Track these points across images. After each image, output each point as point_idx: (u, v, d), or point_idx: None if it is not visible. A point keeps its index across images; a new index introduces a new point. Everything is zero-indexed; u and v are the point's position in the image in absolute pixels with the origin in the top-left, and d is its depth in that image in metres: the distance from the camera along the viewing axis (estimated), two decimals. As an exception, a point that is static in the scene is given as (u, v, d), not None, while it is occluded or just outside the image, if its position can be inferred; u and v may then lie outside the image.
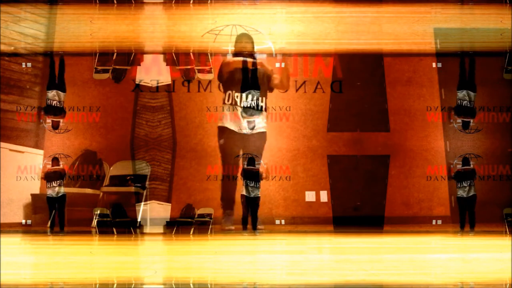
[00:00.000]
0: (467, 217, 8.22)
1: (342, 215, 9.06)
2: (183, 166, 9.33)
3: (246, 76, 8.63)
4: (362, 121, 9.28)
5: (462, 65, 8.64)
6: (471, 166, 8.36)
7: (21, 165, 8.84)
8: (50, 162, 8.42)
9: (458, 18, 9.07)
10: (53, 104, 8.53)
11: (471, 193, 8.23)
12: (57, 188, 8.27)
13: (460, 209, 8.32)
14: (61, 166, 8.41)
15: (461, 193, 8.27)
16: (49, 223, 8.39)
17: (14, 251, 6.60)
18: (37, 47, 9.12)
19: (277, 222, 8.74)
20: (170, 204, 9.22)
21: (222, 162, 8.88)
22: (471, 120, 8.55)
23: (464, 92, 8.52)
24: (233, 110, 8.72)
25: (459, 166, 8.44)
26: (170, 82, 9.33)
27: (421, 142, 9.31)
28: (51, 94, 8.53)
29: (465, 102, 8.50)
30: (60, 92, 8.57)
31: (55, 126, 8.62)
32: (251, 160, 8.43)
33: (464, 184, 8.23)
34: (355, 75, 9.33)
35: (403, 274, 4.82)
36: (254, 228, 8.27)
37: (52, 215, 8.29)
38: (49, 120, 8.62)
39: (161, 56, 9.28)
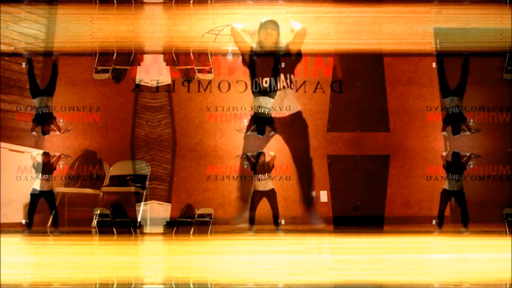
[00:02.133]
0: (458, 215, 8.24)
1: (342, 215, 9.06)
2: (183, 166, 9.33)
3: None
4: (362, 121, 9.28)
5: (440, 69, 8.62)
6: (462, 160, 8.32)
7: (21, 165, 8.83)
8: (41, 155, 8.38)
9: (458, 18, 9.08)
10: (42, 112, 8.45)
11: (459, 188, 8.20)
12: (44, 183, 8.21)
13: (441, 203, 8.28)
14: (51, 161, 8.35)
15: (448, 185, 8.25)
16: (24, 221, 8.40)
17: (14, 251, 6.60)
18: (37, 47, 9.12)
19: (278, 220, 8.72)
20: (170, 204, 9.22)
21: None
22: (462, 125, 8.49)
23: (450, 98, 8.49)
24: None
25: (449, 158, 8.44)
26: (170, 82, 9.33)
27: (421, 142, 9.31)
28: (37, 101, 8.46)
29: (453, 109, 8.47)
30: (46, 97, 8.50)
31: (46, 132, 8.56)
32: (260, 154, 8.44)
33: (452, 177, 8.21)
34: (355, 75, 9.32)
35: (403, 274, 4.82)
36: (276, 224, 8.31)
37: (28, 213, 8.23)
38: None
39: (161, 56, 9.29)
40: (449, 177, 8.25)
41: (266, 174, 8.40)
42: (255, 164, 8.41)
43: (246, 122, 9.02)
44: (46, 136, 9.14)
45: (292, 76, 8.88)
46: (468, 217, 8.18)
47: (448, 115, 8.43)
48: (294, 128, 8.90)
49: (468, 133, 8.57)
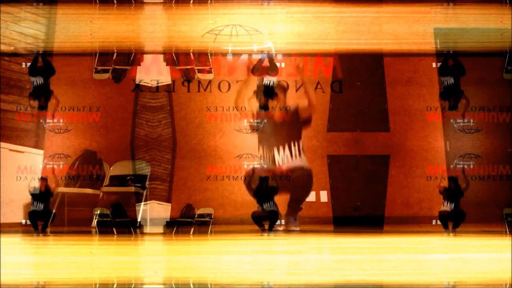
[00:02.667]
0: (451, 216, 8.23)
1: (342, 215, 9.06)
2: (183, 166, 9.33)
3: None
4: (362, 121, 9.28)
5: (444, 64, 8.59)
6: (459, 184, 8.30)
7: (21, 165, 8.83)
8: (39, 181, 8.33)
9: (458, 18, 9.08)
10: (38, 84, 8.35)
11: (456, 209, 8.19)
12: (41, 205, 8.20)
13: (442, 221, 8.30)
14: (49, 187, 8.31)
15: (445, 209, 8.23)
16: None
17: (14, 251, 6.60)
18: (37, 47, 9.12)
19: (277, 222, 8.72)
20: (170, 204, 9.22)
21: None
22: (459, 102, 8.43)
23: (448, 76, 8.41)
24: None
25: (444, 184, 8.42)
26: (170, 82, 9.33)
27: (421, 142, 9.31)
28: (36, 78, 8.37)
29: (447, 81, 8.35)
30: (45, 74, 8.41)
31: (43, 106, 8.46)
32: (264, 181, 8.34)
33: (447, 205, 8.18)
34: (355, 75, 9.32)
35: (403, 274, 4.83)
36: (270, 229, 8.27)
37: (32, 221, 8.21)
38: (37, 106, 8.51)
39: (161, 56, 9.29)
40: (444, 204, 8.23)
41: (270, 202, 8.27)
42: (258, 190, 8.30)
43: (246, 122, 9.02)
44: (46, 136, 9.15)
45: (300, 142, 8.93)
46: (459, 225, 8.19)
47: (445, 88, 8.38)
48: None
49: (465, 107, 8.56)
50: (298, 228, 8.69)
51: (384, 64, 9.38)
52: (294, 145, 8.88)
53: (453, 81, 8.38)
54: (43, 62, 8.47)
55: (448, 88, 8.38)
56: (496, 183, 9.01)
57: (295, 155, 8.83)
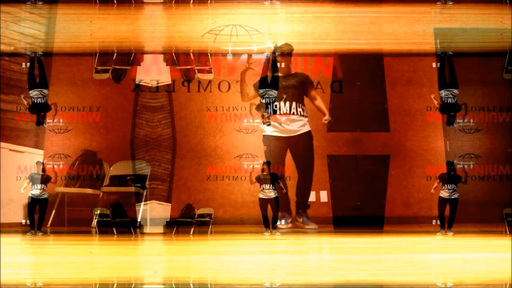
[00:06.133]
0: (447, 217, 8.17)
1: (342, 215, 9.06)
2: (183, 166, 9.33)
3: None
4: (362, 121, 9.28)
5: (441, 65, 8.55)
6: (456, 171, 8.26)
7: (21, 165, 8.84)
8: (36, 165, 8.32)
9: (458, 18, 9.08)
10: (37, 102, 8.33)
11: (454, 196, 8.12)
12: (40, 191, 8.14)
13: (439, 208, 8.19)
14: (46, 172, 8.29)
15: (443, 194, 8.16)
16: (25, 221, 8.40)
17: (14, 251, 6.61)
18: (37, 47, 9.12)
19: (277, 222, 8.73)
20: (170, 204, 9.23)
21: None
22: (456, 115, 8.41)
23: (447, 90, 8.37)
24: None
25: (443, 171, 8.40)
26: (170, 82, 9.33)
27: (421, 142, 9.31)
28: (35, 93, 8.34)
29: (449, 99, 8.32)
30: (43, 89, 8.40)
31: (40, 122, 8.46)
32: (268, 165, 8.37)
33: (449, 187, 8.11)
34: (355, 75, 9.33)
35: (403, 274, 4.83)
36: (274, 227, 8.25)
37: (31, 215, 8.16)
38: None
39: (161, 56, 9.29)
40: (444, 188, 8.16)
41: (269, 185, 8.25)
42: (260, 176, 8.31)
43: (246, 122, 9.03)
44: (46, 136, 9.16)
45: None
46: (453, 221, 8.14)
47: (444, 104, 8.33)
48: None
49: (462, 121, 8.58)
50: (315, 226, 8.79)
51: (384, 64, 9.38)
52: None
53: (453, 100, 8.34)
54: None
55: (446, 104, 8.33)
56: (496, 183, 9.01)
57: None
